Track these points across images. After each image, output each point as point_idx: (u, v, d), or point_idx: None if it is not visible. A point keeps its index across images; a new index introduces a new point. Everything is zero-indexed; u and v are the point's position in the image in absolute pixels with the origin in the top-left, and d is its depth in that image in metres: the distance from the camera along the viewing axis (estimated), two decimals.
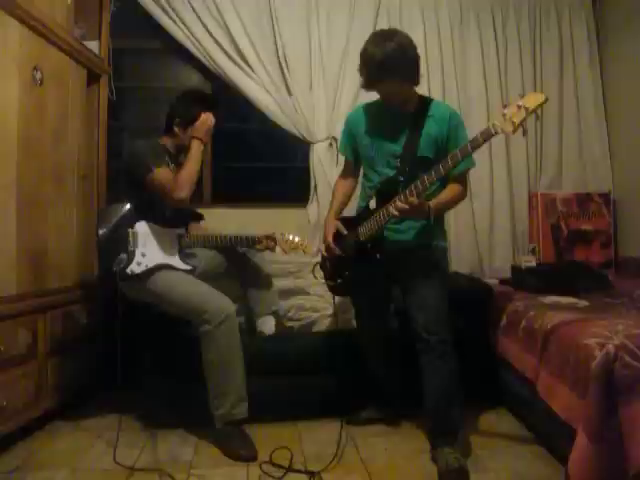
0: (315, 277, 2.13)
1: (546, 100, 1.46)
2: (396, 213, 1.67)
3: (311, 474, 1.76)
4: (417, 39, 2.98)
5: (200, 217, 2.32)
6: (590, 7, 3.21)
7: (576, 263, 2.87)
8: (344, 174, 2.12)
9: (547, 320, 1.88)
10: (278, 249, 2.24)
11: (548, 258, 3.01)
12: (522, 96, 1.48)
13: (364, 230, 1.86)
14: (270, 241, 2.20)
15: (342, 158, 2.14)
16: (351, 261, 1.93)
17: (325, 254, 2.01)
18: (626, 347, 1.48)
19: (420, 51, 2.93)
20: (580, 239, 3.05)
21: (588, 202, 3.08)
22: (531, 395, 1.90)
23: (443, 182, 1.82)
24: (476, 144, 1.56)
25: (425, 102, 1.89)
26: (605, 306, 2.10)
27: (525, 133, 1.50)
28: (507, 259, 3.05)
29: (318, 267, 2.10)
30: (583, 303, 2.15)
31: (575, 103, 3.18)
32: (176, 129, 2.11)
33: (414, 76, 1.80)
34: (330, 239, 1.95)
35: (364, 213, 1.89)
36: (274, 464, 1.82)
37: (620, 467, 1.43)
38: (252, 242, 2.18)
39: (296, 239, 2.23)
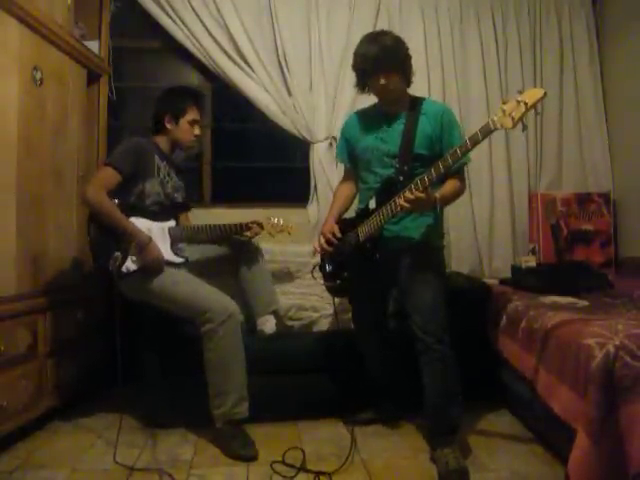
0: (314, 278, 2.13)
1: (545, 95, 1.46)
2: (406, 205, 1.66)
3: (320, 474, 1.77)
4: (417, 38, 3.05)
5: (187, 207, 2.34)
6: (590, 6, 3.21)
7: (576, 263, 2.87)
8: (344, 180, 2.14)
9: (547, 320, 1.88)
10: (265, 233, 2.27)
11: (548, 258, 3.00)
12: (521, 92, 1.48)
13: (363, 229, 1.87)
14: (257, 226, 2.23)
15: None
16: (350, 262, 1.93)
17: (321, 252, 2.01)
18: (626, 347, 1.48)
19: (420, 49, 3.02)
20: (580, 239, 3.05)
21: (588, 202, 3.07)
22: (531, 395, 1.90)
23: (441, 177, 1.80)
24: (475, 140, 1.56)
25: (417, 101, 1.90)
26: (605, 306, 2.10)
27: (525, 129, 1.50)
28: (507, 259, 3.05)
29: (317, 268, 2.11)
30: (583, 303, 2.14)
31: (575, 103, 3.18)
32: (168, 125, 2.15)
33: (407, 71, 1.85)
34: (329, 237, 1.96)
35: (363, 213, 1.90)
36: (286, 464, 1.84)
37: (620, 467, 1.43)
38: (240, 229, 2.20)
39: (281, 221, 2.27)
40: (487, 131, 1.54)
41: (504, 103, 1.50)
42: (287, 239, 2.36)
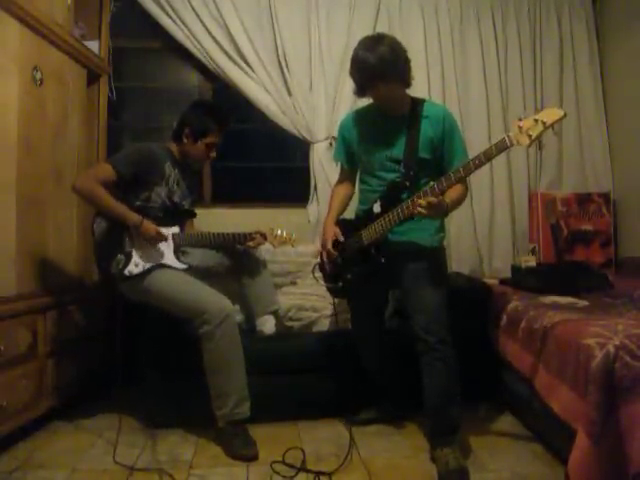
0: (315, 279, 2.13)
1: (564, 116, 1.44)
2: (423, 211, 1.64)
3: (320, 474, 1.77)
4: (417, 37, 3.06)
5: (193, 215, 2.33)
6: (590, 6, 3.21)
7: (576, 263, 2.87)
8: (341, 180, 2.12)
9: (547, 320, 1.88)
10: (268, 244, 2.25)
11: (548, 258, 3.00)
12: (539, 110, 1.47)
13: (368, 234, 1.86)
14: (261, 237, 2.21)
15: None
16: (353, 265, 1.93)
17: (325, 259, 2.00)
18: (626, 347, 1.48)
19: (420, 49, 3.02)
20: (580, 239, 3.05)
21: (588, 202, 3.07)
22: (531, 395, 1.91)
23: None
24: (489, 155, 1.55)
25: (418, 103, 1.88)
26: (605, 306, 2.10)
27: (541, 147, 1.49)
28: (507, 259, 3.05)
29: (317, 268, 2.10)
30: (583, 303, 2.14)
31: (575, 103, 3.17)
32: (185, 139, 2.13)
33: (407, 78, 1.81)
34: (329, 245, 1.94)
35: (367, 217, 1.88)
36: (286, 463, 1.83)
37: (620, 467, 1.43)
38: (244, 239, 2.20)
39: (284, 234, 2.26)
40: (502, 147, 1.52)
41: (520, 120, 1.48)
42: None
